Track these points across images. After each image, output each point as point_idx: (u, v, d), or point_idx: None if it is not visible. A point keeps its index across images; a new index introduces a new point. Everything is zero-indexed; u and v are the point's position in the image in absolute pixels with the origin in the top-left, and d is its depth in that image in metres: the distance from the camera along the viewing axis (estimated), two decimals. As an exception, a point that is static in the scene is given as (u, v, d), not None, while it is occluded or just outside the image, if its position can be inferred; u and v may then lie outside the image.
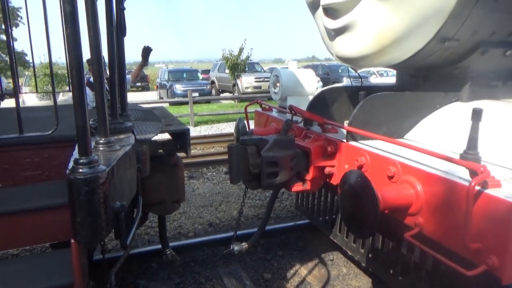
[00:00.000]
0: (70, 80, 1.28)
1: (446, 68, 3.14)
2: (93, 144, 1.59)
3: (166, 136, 2.79)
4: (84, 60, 1.48)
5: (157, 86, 26.47)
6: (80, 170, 1.26)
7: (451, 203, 1.92)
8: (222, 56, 20.50)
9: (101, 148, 1.58)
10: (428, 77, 3.40)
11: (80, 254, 1.42)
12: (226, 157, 2.77)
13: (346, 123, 2.84)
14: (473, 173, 1.79)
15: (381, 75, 25.76)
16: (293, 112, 3.10)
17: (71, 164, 1.31)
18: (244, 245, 3.32)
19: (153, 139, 2.48)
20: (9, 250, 4.08)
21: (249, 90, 21.82)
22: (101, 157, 1.41)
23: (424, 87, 3.41)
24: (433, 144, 2.63)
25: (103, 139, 1.60)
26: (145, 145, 2.02)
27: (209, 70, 28.68)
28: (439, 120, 2.86)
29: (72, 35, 1.22)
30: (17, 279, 1.58)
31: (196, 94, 18.06)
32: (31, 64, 19.10)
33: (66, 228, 1.69)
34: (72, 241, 1.38)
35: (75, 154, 1.35)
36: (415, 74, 3.54)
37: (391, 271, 3.06)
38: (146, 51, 5.85)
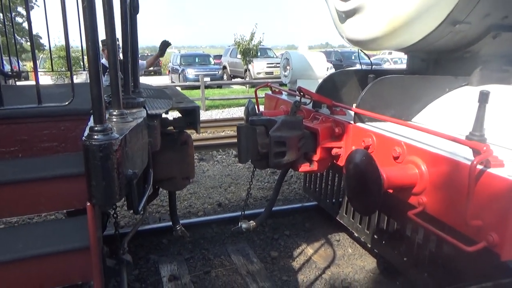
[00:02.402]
0: (86, 51, 1.34)
1: (457, 52, 3.12)
2: (107, 116, 1.66)
3: (176, 115, 2.86)
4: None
5: (169, 71, 26.57)
6: (95, 137, 1.34)
7: (454, 182, 1.95)
8: (234, 41, 20.42)
9: (114, 119, 1.66)
10: (439, 61, 3.39)
11: (95, 217, 1.51)
12: (236, 140, 2.83)
13: (354, 106, 2.87)
14: (476, 152, 1.82)
15: (395, 62, 25.42)
16: (302, 93, 3.13)
17: (86, 132, 1.38)
18: (252, 223, 3.41)
19: (163, 117, 2.55)
20: (24, 218, 4.26)
21: (261, 75, 21.76)
22: (114, 127, 1.48)
23: (434, 71, 3.40)
24: (441, 127, 2.65)
25: (116, 111, 1.68)
26: (156, 120, 2.10)
27: (221, 55, 28.63)
28: (448, 103, 2.86)
29: (88, 8, 1.29)
30: (37, 242, 1.68)
31: (208, 79, 18.09)
32: (45, 47, 19.28)
33: (81, 196, 1.79)
34: (88, 204, 1.47)
35: (91, 123, 1.43)
36: (425, 58, 3.53)
37: (396, 252, 3.12)
38: (164, 44, 6.07)
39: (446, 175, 2.02)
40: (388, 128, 2.57)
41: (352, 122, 2.81)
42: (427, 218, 2.15)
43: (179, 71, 22.94)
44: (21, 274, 1.60)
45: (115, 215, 2.33)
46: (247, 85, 19.41)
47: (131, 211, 4.84)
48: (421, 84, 2.93)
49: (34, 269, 1.63)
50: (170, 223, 3.51)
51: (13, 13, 22.20)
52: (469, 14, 2.70)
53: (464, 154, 1.96)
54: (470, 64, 3.03)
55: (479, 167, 1.78)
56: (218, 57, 29.39)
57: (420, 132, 2.24)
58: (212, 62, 25.93)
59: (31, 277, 1.63)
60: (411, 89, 2.90)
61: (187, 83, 19.21)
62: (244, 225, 3.35)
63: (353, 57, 25.24)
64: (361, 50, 4.00)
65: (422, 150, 2.17)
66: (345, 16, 3.18)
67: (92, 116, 1.45)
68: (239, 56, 21.35)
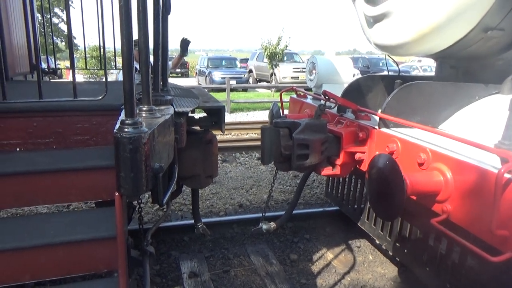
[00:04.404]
0: (121, 48, 1.41)
1: (488, 59, 3.05)
2: (137, 111, 1.73)
3: (202, 114, 2.93)
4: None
5: (196, 73, 27.00)
6: (126, 130, 1.41)
7: (481, 191, 1.91)
8: (261, 45, 20.55)
9: (144, 115, 1.73)
10: (469, 68, 3.32)
11: (123, 206, 1.57)
12: (259, 143, 2.86)
13: (380, 111, 2.85)
14: (504, 161, 1.78)
15: (425, 70, 24.92)
16: (327, 97, 3.14)
17: (118, 125, 1.45)
18: (272, 224, 3.44)
19: (189, 115, 2.61)
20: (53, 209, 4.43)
21: (286, 80, 21.77)
22: (143, 122, 1.54)
23: (464, 78, 3.33)
24: (469, 135, 2.59)
25: (146, 106, 1.75)
26: (182, 118, 2.16)
27: (248, 59, 28.85)
28: (477, 111, 2.80)
29: (124, 6, 1.35)
30: (66, 229, 1.77)
31: (234, 82, 18.28)
32: (79, 47, 19.95)
33: (110, 188, 1.86)
34: (116, 194, 1.53)
35: (122, 116, 1.50)
36: (455, 65, 3.46)
37: (418, 260, 3.06)
38: (184, 43, 6.05)
39: (472, 183, 1.98)
40: (413, 134, 2.54)
41: (376, 127, 2.79)
42: (451, 226, 2.11)
43: (206, 73, 23.29)
44: (51, 259, 1.69)
45: (139, 209, 2.41)
46: (273, 89, 19.45)
47: (155, 208, 4.96)
48: (449, 91, 2.88)
49: (62, 254, 1.71)
50: (192, 221, 3.57)
51: (50, 14, 23.14)
52: (502, 20, 2.64)
53: (491, 163, 1.92)
54: (502, 71, 2.95)
55: (507, 175, 1.74)
56: (245, 60, 29.62)
57: (446, 139, 2.21)
58: (238, 66, 26.19)
59: (59, 262, 1.71)
60: (439, 96, 2.85)
61: (213, 86, 19.46)
62: (264, 226, 3.38)
63: (380, 64, 24.88)
64: (389, 56, 3.97)
65: (447, 157, 2.13)
66: (373, 21, 3.17)
67: (123, 110, 1.52)
68: (265, 60, 21.46)
